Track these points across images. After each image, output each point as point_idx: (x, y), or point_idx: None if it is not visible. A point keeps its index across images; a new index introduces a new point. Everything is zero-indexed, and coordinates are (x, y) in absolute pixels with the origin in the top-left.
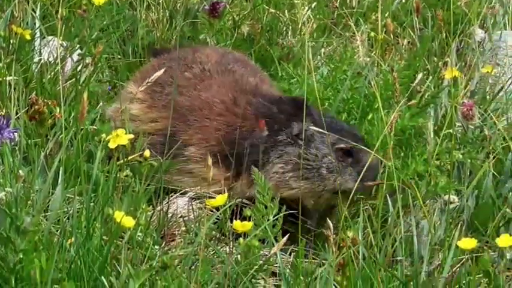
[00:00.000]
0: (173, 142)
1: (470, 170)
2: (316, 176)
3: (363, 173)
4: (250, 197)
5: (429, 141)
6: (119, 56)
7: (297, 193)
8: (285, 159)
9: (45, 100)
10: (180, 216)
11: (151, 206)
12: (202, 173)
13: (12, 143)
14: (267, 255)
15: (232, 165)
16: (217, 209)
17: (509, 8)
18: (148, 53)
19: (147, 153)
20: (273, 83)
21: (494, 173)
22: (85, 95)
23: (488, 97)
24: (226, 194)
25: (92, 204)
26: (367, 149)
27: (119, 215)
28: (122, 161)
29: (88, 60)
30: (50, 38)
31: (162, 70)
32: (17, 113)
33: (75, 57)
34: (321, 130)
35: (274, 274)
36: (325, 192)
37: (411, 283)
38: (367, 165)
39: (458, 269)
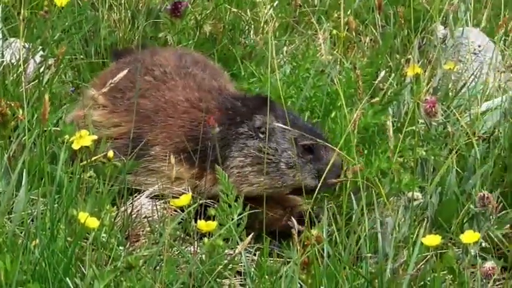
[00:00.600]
0: (138, 144)
1: (433, 166)
2: (275, 171)
3: (326, 172)
4: (214, 195)
5: (390, 139)
6: (82, 57)
7: (257, 189)
8: (245, 152)
9: (8, 102)
10: (144, 217)
11: (115, 207)
12: (167, 171)
13: None
14: (231, 254)
15: (196, 162)
16: (182, 208)
17: (470, 4)
18: (111, 54)
19: (110, 154)
20: (234, 84)
21: (458, 169)
22: (46, 97)
23: (450, 94)
24: (190, 194)
25: (56, 205)
26: (331, 146)
27: (83, 216)
28: (85, 162)
29: (51, 61)
30: (12, 39)
31: (124, 72)
32: None
33: (38, 58)
34: (283, 126)
35: (239, 273)
36: (285, 188)
37: (376, 280)
38: (330, 163)
39: (423, 266)
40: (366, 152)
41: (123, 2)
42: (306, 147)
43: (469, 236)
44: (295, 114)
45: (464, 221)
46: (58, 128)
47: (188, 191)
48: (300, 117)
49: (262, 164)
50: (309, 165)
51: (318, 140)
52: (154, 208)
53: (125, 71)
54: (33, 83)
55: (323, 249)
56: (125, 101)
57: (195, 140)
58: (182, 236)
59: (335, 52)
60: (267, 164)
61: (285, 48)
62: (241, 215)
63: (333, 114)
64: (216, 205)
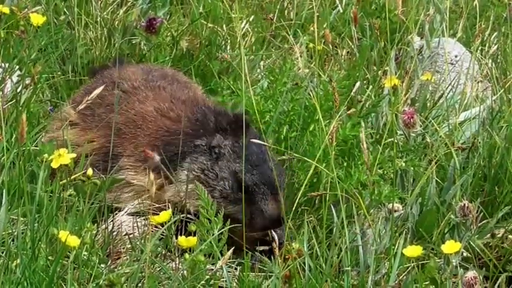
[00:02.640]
0: (112, 158)
1: (413, 177)
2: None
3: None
4: (170, 202)
5: (364, 151)
6: (59, 75)
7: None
8: (192, 167)
9: None
10: (125, 234)
11: (95, 225)
12: (136, 181)
13: None
14: (213, 269)
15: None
16: (162, 225)
17: (446, 14)
18: (88, 72)
19: (90, 172)
20: (209, 98)
21: (437, 179)
22: (24, 116)
23: (428, 104)
24: (170, 210)
25: (36, 224)
26: (277, 200)
27: (64, 235)
28: (65, 180)
29: (28, 81)
30: None
31: (98, 90)
32: None
33: (15, 78)
34: (232, 153)
35: None
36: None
37: None
38: (267, 212)
39: (404, 277)
40: (345, 164)
41: (99, 20)
42: (242, 186)
43: (450, 246)
44: (265, 151)
45: (445, 231)
46: (37, 147)
47: (168, 207)
48: (270, 159)
49: (202, 183)
50: (239, 204)
51: (261, 185)
52: (135, 225)
53: (100, 89)
54: (10, 102)
55: (304, 263)
56: (95, 117)
57: (158, 149)
58: (163, 252)
59: (312, 65)
60: (205, 186)
61: (262, 63)
62: (222, 230)
63: (311, 128)
64: (196, 221)
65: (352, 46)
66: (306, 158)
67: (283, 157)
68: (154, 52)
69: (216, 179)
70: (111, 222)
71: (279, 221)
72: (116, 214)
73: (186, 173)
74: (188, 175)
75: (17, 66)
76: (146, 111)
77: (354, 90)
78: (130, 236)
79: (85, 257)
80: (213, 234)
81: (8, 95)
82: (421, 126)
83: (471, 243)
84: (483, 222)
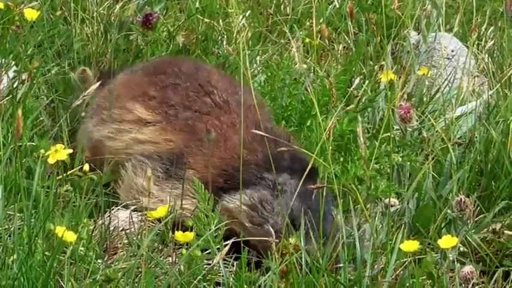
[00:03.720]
0: (179, 163)
1: (409, 172)
2: (259, 223)
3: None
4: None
5: (361, 145)
6: (55, 71)
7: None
8: (253, 194)
9: None
10: (122, 229)
11: (92, 220)
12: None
13: None
14: (210, 265)
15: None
16: (159, 220)
17: (442, 9)
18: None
19: (86, 167)
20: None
21: (434, 174)
22: (19, 112)
23: (425, 99)
24: (166, 206)
25: (33, 220)
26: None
27: (61, 230)
28: (61, 176)
29: (24, 76)
30: None
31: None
32: None
33: (11, 74)
34: (295, 192)
35: (218, 284)
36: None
37: (355, 287)
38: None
39: (401, 272)
40: (341, 159)
41: (95, 15)
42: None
43: (447, 241)
44: (329, 201)
45: (442, 226)
46: (33, 143)
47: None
48: (329, 212)
49: (256, 212)
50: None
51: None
52: (132, 220)
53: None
54: (7, 98)
55: (301, 258)
56: (179, 119)
57: (225, 176)
58: (160, 247)
59: (308, 60)
60: (258, 215)
61: (258, 58)
62: (218, 225)
63: (308, 123)
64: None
65: (349, 41)
66: (304, 150)
67: (282, 149)
68: (150, 47)
69: (271, 212)
70: (108, 218)
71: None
72: (113, 210)
73: (247, 198)
74: (247, 199)
75: (13, 62)
76: (231, 136)
77: (353, 86)
78: (127, 231)
79: (82, 253)
80: (209, 230)
81: (4, 91)
82: (417, 121)
83: (468, 238)
84: (480, 216)
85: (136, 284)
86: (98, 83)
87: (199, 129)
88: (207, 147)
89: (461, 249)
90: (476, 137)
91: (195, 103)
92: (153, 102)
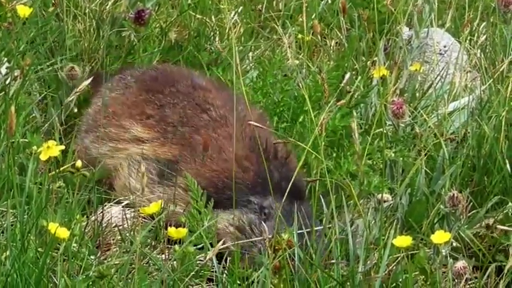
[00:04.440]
0: (171, 169)
1: (402, 168)
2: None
3: None
4: None
5: (355, 141)
6: (48, 67)
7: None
8: (241, 217)
9: None
10: (115, 226)
11: (85, 216)
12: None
13: None
14: (202, 261)
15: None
16: (152, 216)
17: (435, 4)
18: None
19: (78, 164)
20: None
21: (427, 170)
22: (12, 108)
23: (417, 95)
24: (159, 202)
25: (25, 216)
26: None
27: (53, 227)
28: (54, 172)
29: (16, 73)
30: None
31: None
32: None
33: (3, 70)
34: (282, 217)
35: (211, 280)
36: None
37: (348, 283)
38: None
39: (394, 268)
40: (334, 155)
41: (87, 11)
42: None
43: (440, 236)
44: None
45: (435, 221)
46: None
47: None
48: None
49: (244, 236)
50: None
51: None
52: (125, 217)
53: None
54: None
55: (294, 254)
56: (177, 134)
57: (214, 187)
58: (153, 243)
59: (301, 56)
60: (245, 238)
61: (250, 54)
62: (211, 221)
63: (300, 119)
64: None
65: (341, 37)
66: (299, 143)
67: (278, 141)
68: (143, 44)
69: (259, 236)
70: (101, 214)
71: None
72: (106, 206)
73: (234, 218)
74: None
75: (5, 59)
76: (225, 149)
77: (344, 82)
78: (120, 227)
79: (75, 249)
80: (202, 226)
81: None
82: (410, 116)
83: (461, 233)
84: (472, 212)
85: (129, 280)
86: (90, 79)
87: (194, 139)
88: (200, 157)
89: (454, 244)
90: (468, 133)
91: (192, 120)
92: (150, 121)
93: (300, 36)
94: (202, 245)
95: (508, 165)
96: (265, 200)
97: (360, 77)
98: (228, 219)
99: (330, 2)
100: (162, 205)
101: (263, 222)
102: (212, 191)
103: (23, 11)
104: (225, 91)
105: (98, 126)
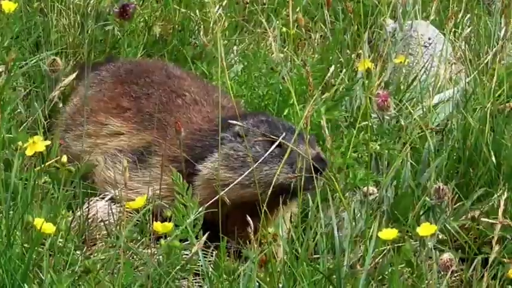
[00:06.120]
0: (148, 153)
1: (388, 160)
2: (245, 166)
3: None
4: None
5: (326, 137)
6: (33, 62)
7: (232, 192)
8: (220, 157)
9: None
10: (101, 220)
11: (71, 211)
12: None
13: None
14: (188, 255)
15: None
16: (138, 211)
17: None
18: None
19: (64, 158)
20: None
21: (412, 162)
22: None
23: (402, 87)
24: (145, 196)
25: (11, 212)
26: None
27: (39, 222)
28: (39, 167)
29: (1, 68)
30: None
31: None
32: None
33: None
34: (256, 128)
35: (197, 274)
36: (261, 187)
37: (334, 276)
38: (311, 156)
39: (380, 260)
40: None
41: (71, 6)
42: (272, 143)
43: (426, 229)
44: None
45: (421, 213)
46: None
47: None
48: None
49: (232, 159)
50: (276, 159)
51: (292, 137)
52: (110, 211)
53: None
54: None
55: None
56: (152, 121)
57: (187, 147)
58: (139, 238)
59: (285, 50)
60: (237, 162)
61: (235, 48)
62: (197, 215)
63: (286, 112)
64: (171, 207)
65: (326, 30)
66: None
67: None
68: (127, 38)
69: (245, 151)
70: (87, 209)
71: (321, 158)
72: (91, 201)
73: (211, 165)
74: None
75: None
76: (195, 118)
77: (328, 75)
78: (106, 222)
79: (60, 244)
80: (188, 220)
81: None
82: (395, 109)
83: (446, 225)
84: (458, 204)
85: (115, 275)
86: (74, 74)
87: (167, 121)
88: (171, 133)
89: (440, 236)
90: (453, 125)
91: (168, 105)
92: (127, 114)
93: (284, 29)
94: (188, 242)
95: (493, 157)
96: (235, 127)
97: (344, 70)
98: (212, 162)
99: None
100: (144, 188)
101: (242, 142)
102: (187, 151)
103: (8, 6)
104: (200, 80)
105: (77, 125)
